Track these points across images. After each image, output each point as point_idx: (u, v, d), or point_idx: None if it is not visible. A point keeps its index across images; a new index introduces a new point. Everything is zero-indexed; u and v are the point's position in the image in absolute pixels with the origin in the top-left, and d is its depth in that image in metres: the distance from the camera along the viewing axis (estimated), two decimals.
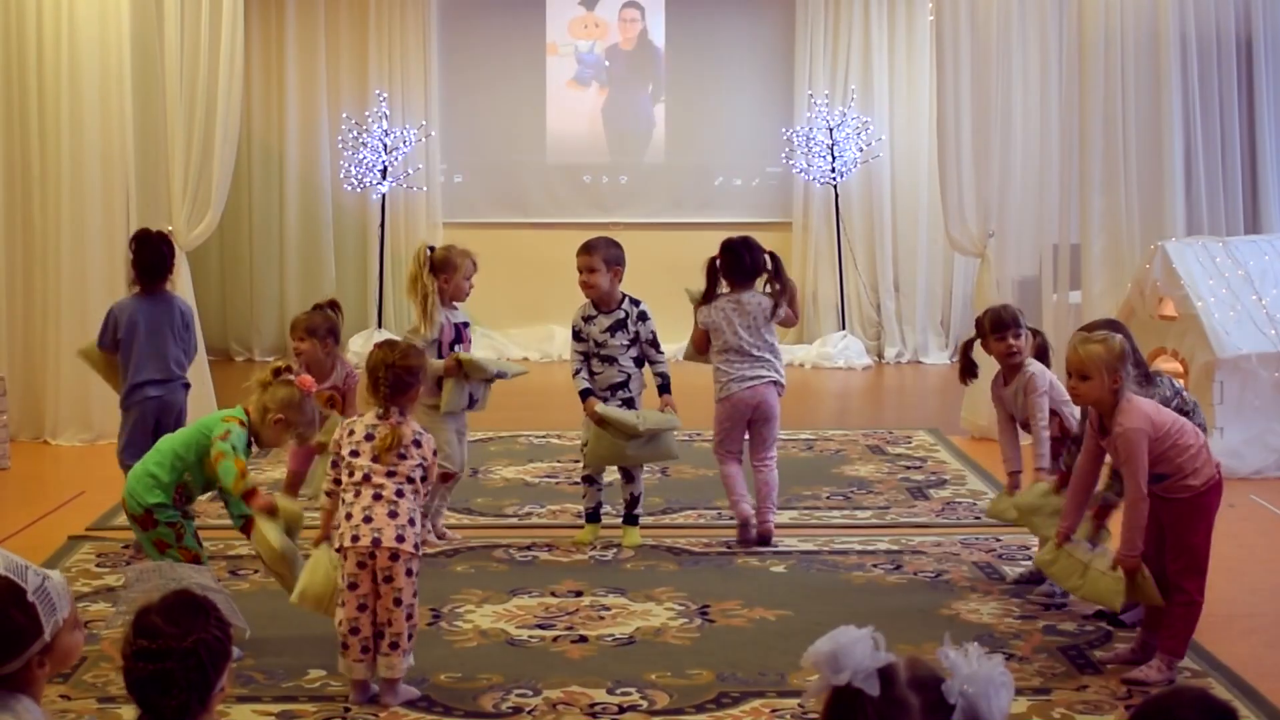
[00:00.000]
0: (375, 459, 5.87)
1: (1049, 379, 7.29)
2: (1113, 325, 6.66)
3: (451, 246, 8.45)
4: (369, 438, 5.90)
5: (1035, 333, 7.49)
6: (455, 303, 8.29)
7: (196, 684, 3.31)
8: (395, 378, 5.91)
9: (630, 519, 8.32)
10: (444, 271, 8.20)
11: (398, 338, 6.19)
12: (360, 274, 16.04)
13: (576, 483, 9.61)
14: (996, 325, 7.38)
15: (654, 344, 8.23)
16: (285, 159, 15.92)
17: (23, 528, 8.56)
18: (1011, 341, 7.31)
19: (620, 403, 8.16)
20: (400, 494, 5.86)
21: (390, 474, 5.86)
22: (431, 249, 8.31)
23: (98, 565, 7.82)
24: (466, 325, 8.34)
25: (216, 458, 6.33)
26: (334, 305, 8.25)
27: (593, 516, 8.38)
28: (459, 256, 8.26)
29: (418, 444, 5.89)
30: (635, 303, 8.25)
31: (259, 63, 15.72)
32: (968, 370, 7.63)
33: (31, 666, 3.49)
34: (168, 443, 6.55)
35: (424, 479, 5.93)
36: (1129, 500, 6.05)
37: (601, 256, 8.18)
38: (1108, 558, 6.21)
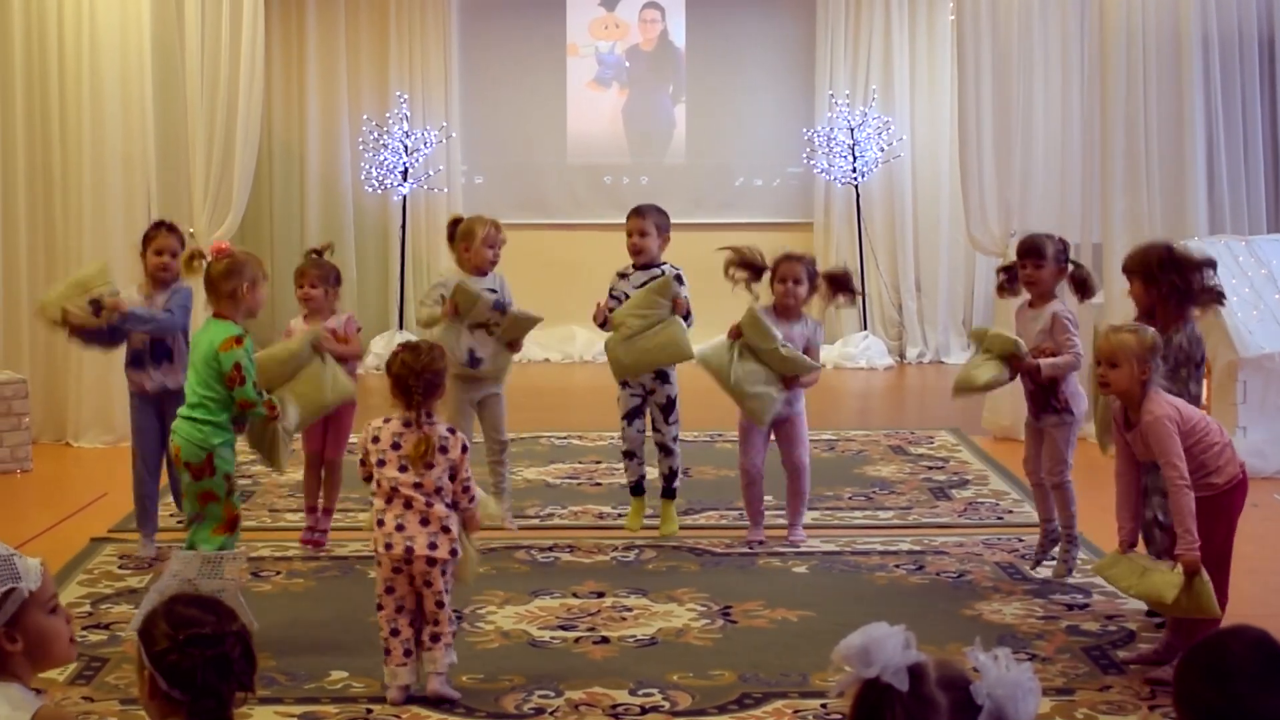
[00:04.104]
0: (403, 468, 5.89)
1: (1071, 320, 7.38)
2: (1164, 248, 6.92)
3: (475, 216, 8.59)
4: (395, 446, 5.91)
5: (1076, 265, 7.47)
6: (485, 272, 8.39)
7: (246, 669, 3.34)
8: (426, 383, 5.92)
9: (668, 493, 8.38)
10: (464, 241, 8.40)
11: (415, 338, 6.23)
12: (381, 275, 16.05)
13: (598, 484, 9.64)
14: (1018, 251, 7.56)
15: (686, 313, 8.21)
16: (306, 161, 15.94)
17: (45, 530, 8.58)
18: (1029, 271, 7.42)
19: (652, 374, 8.22)
20: (430, 503, 5.87)
21: (417, 485, 5.88)
22: (459, 220, 8.51)
23: (120, 567, 7.83)
24: (491, 293, 8.32)
25: (244, 405, 6.60)
26: (329, 249, 8.52)
27: (636, 489, 8.45)
28: (477, 225, 8.41)
29: (444, 449, 5.89)
30: (675, 268, 8.29)
31: (280, 65, 15.74)
32: (1005, 286, 7.64)
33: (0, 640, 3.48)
34: (195, 387, 6.61)
35: (453, 478, 5.93)
36: (1171, 490, 5.94)
37: (653, 221, 8.28)
38: (1168, 564, 6.05)
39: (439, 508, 5.88)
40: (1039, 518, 7.72)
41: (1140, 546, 6.45)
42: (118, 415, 10.92)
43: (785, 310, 8.10)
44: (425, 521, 5.86)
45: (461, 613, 6.91)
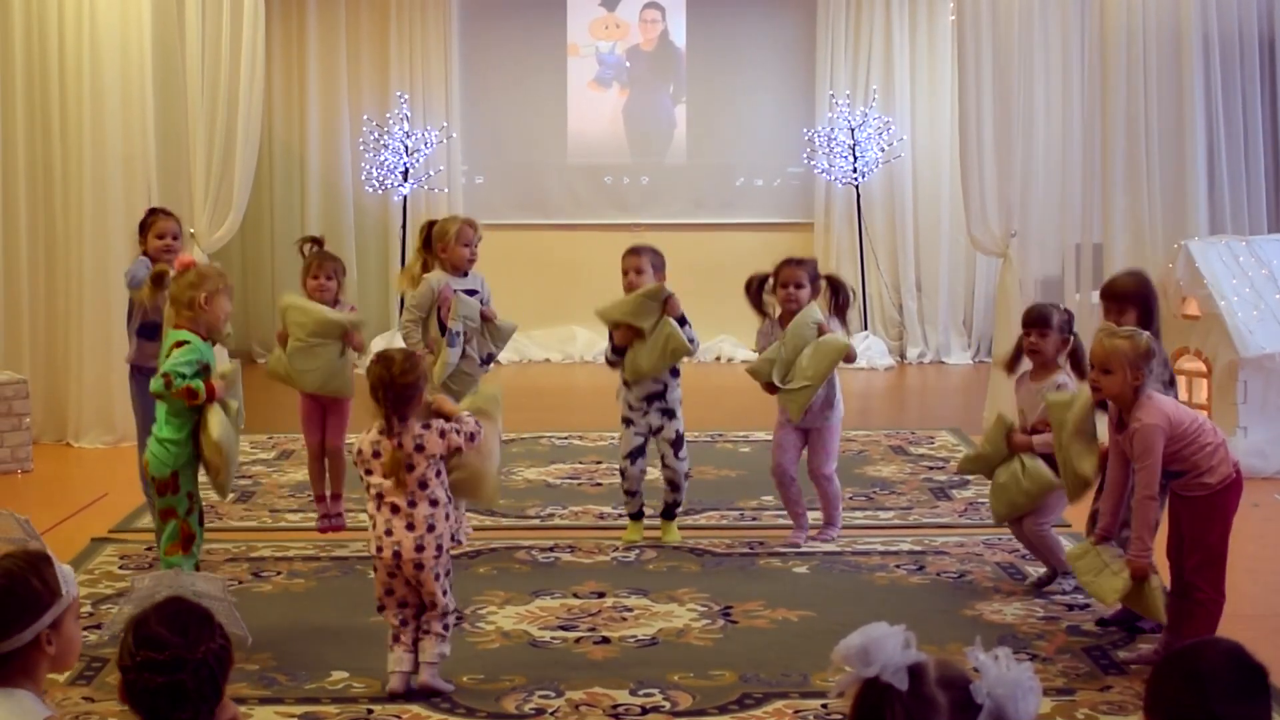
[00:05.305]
0: (386, 475, 5.94)
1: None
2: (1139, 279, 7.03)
3: (449, 217, 8.59)
4: (377, 455, 5.96)
5: (1073, 337, 7.42)
6: (462, 271, 8.33)
7: (208, 695, 3.29)
8: (395, 395, 5.94)
9: (669, 514, 8.37)
10: (439, 242, 8.35)
11: (393, 349, 6.25)
12: (382, 276, 16.06)
13: (599, 484, 9.64)
14: (1024, 320, 7.48)
15: (681, 319, 8.16)
16: (306, 161, 15.95)
17: (46, 530, 8.56)
18: (1034, 339, 7.34)
19: (659, 411, 8.19)
20: (413, 503, 5.92)
21: (400, 484, 5.92)
22: (432, 224, 8.48)
23: (120, 567, 7.84)
24: (472, 293, 8.29)
25: (177, 394, 6.51)
26: (322, 240, 8.52)
27: (636, 516, 8.42)
28: (450, 223, 8.39)
29: (421, 448, 5.92)
30: (692, 334, 8.22)
31: (280, 65, 15.74)
32: (1014, 361, 7.59)
33: (40, 644, 3.49)
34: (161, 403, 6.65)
35: (440, 474, 5.98)
36: (1138, 498, 6.05)
37: (649, 259, 8.24)
38: (1123, 563, 6.16)
39: (422, 508, 5.92)
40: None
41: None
42: (118, 415, 10.93)
43: (789, 315, 8.11)
44: (410, 526, 5.91)
45: (462, 613, 6.91)
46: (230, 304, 6.79)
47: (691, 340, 8.13)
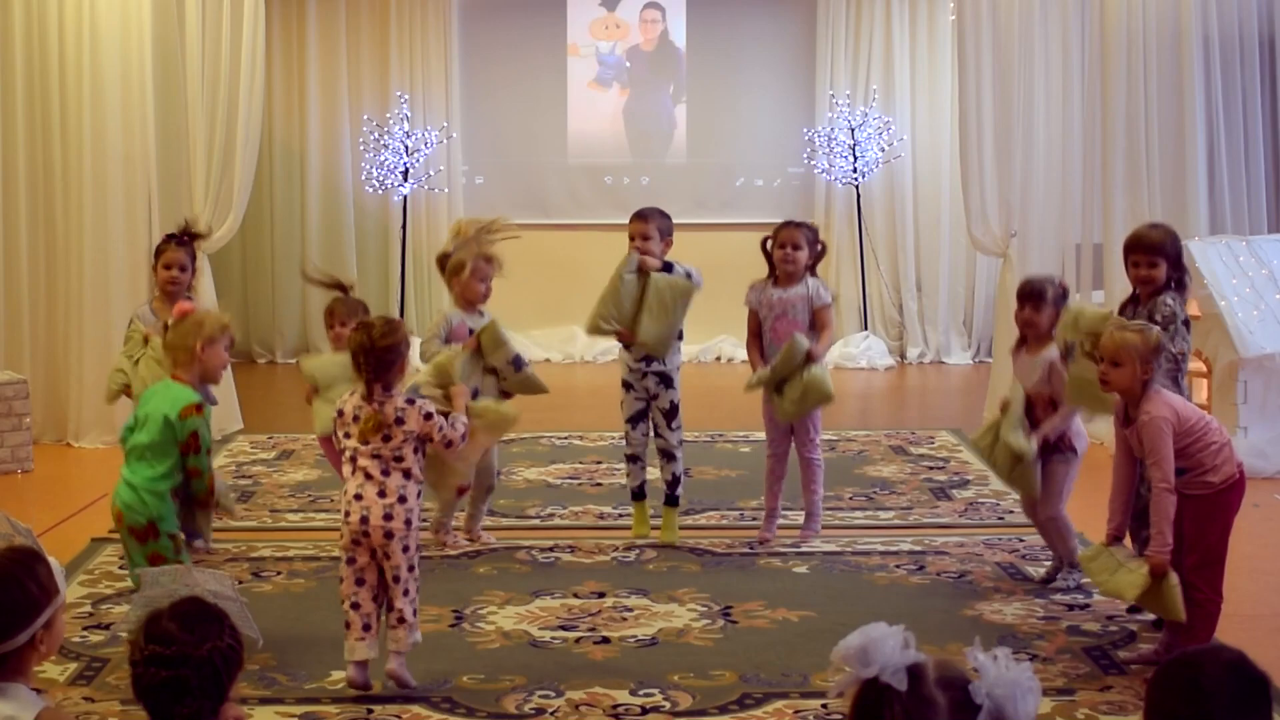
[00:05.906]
0: (363, 440, 5.97)
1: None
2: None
3: (462, 242, 8.23)
4: (356, 419, 5.99)
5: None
6: (476, 307, 8.15)
7: (211, 692, 3.30)
8: (376, 360, 5.96)
9: (671, 500, 8.32)
10: (452, 276, 8.16)
11: (373, 316, 6.25)
12: (382, 276, 16.04)
13: (599, 484, 9.63)
14: (1018, 295, 7.53)
15: (667, 266, 8.15)
16: (307, 161, 15.93)
17: (46, 530, 8.58)
18: (1028, 314, 7.40)
19: (656, 376, 8.17)
20: (386, 472, 5.95)
21: (375, 455, 5.95)
22: (447, 255, 8.21)
23: (120, 567, 7.82)
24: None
25: (193, 473, 6.47)
26: (353, 286, 8.52)
27: (638, 494, 8.38)
28: (467, 256, 8.09)
29: (401, 421, 5.94)
30: (683, 267, 8.19)
31: (280, 65, 15.73)
32: (1020, 344, 7.62)
33: (35, 643, 3.52)
34: (144, 450, 6.47)
35: (418, 451, 6.00)
36: (1155, 492, 6.03)
37: (656, 225, 8.23)
38: (1141, 562, 6.15)
39: (395, 479, 5.94)
40: (1050, 550, 7.67)
41: (1127, 541, 6.50)
42: (119, 416, 10.90)
43: (786, 276, 8.13)
44: (382, 493, 5.94)
45: (462, 613, 6.92)
46: (227, 353, 6.70)
47: (689, 275, 8.11)
